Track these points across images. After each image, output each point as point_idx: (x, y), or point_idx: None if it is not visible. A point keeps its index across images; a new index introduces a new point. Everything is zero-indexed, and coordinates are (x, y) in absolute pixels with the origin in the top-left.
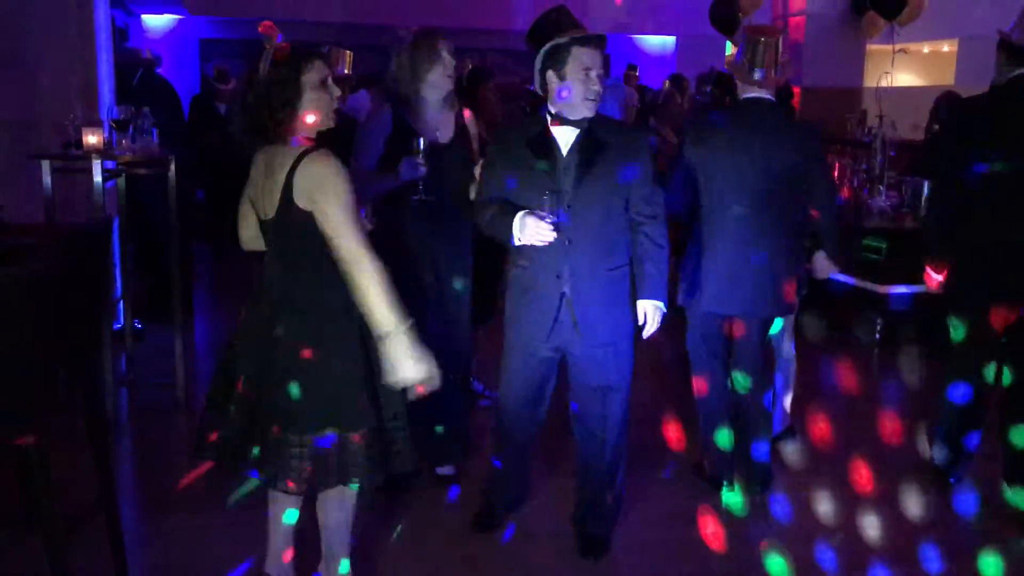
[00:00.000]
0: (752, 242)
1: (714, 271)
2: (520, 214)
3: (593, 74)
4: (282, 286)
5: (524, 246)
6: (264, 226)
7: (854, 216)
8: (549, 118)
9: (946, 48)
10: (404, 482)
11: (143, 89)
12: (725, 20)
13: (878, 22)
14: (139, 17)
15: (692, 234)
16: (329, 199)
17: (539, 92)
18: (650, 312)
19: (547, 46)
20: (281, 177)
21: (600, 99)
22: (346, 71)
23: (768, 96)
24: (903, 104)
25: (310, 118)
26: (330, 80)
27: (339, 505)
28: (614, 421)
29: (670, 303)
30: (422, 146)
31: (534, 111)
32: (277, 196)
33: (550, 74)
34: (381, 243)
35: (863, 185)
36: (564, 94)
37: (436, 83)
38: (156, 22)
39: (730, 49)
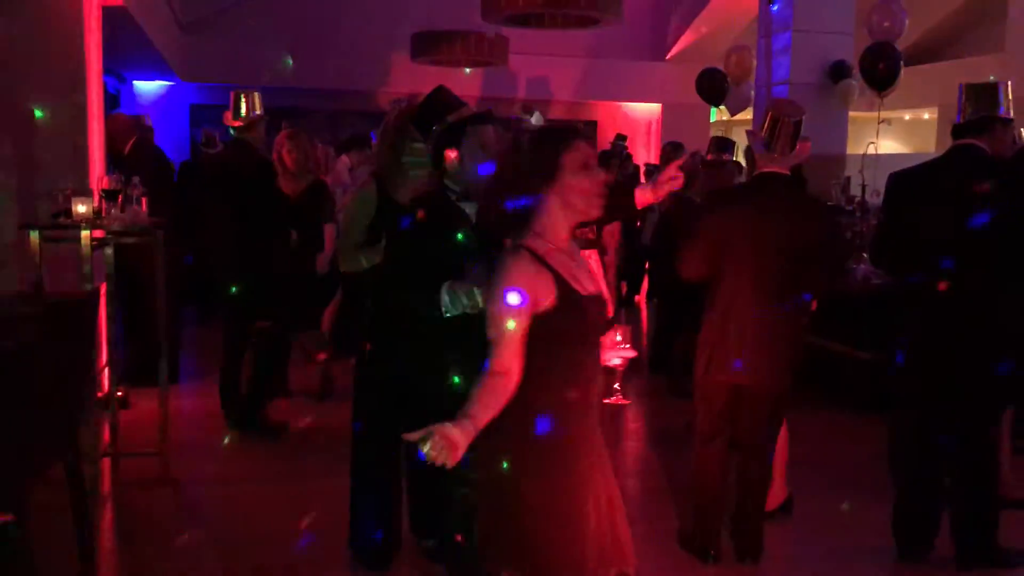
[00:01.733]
0: (766, 313)
1: (728, 340)
2: (447, 284)
3: (489, 148)
4: None
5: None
6: None
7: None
8: (453, 196)
9: (926, 116)
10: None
11: (136, 156)
12: (711, 89)
13: (853, 91)
14: (131, 83)
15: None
16: None
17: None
18: None
19: (441, 126)
20: None
21: None
22: (257, 111)
23: (783, 171)
24: (886, 171)
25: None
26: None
27: None
28: None
29: (686, 370)
30: None
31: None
32: None
33: (448, 152)
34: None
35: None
36: (464, 170)
37: (419, 159)
38: (148, 88)
39: (715, 115)
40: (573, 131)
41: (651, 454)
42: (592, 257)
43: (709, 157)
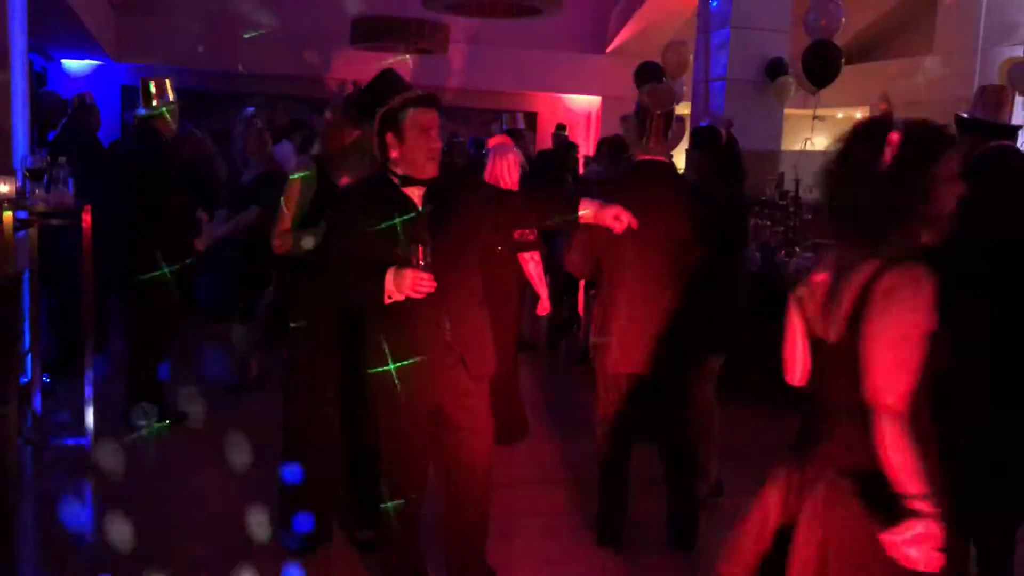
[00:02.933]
0: (650, 302)
1: (617, 330)
2: (391, 270)
3: (432, 133)
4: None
5: (392, 304)
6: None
7: (773, 275)
8: (396, 179)
9: (858, 114)
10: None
11: (65, 136)
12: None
13: (789, 88)
14: (59, 62)
15: (598, 294)
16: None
17: (379, 155)
18: None
19: (383, 109)
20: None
21: (439, 156)
22: (169, 96)
23: (661, 158)
24: (818, 167)
25: None
26: None
27: None
28: None
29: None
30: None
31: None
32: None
33: (389, 136)
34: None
35: (780, 246)
36: (406, 155)
37: (363, 144)
38: (76, 67)
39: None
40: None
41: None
42: (533, 258)
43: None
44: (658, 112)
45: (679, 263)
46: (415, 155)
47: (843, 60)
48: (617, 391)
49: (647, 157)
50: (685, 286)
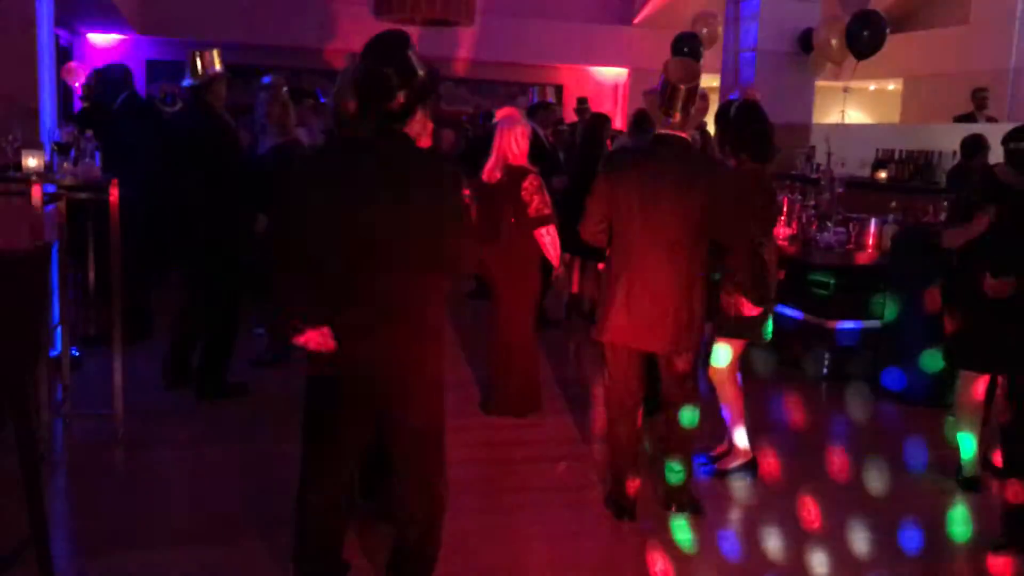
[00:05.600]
0: (660, 277)
1: (626, 304)
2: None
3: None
4: None
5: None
6: None
7: (802, 251)
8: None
9: (891, 86)
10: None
11: (124, 109)
12: (688, 55)
13: (824, 60)
14: (84, 36)
15: (608, 266)
16: None
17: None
18: None
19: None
20: None
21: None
22: (217, 68)
23: (682, 134)
24: (851, 141)
25: None
26: None
27: None
28: None
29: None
30: None
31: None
32: None
33: (346, 103)
34: None
35: (811, 221)
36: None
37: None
38: (102, 41)
39: None
40: None
41: None
42: (549, 232)
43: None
44: (681, 87)
45: (689, 239)
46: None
47: (888, 30)
48: (613, 362)
49: (666, 132)
50: (698, 263)
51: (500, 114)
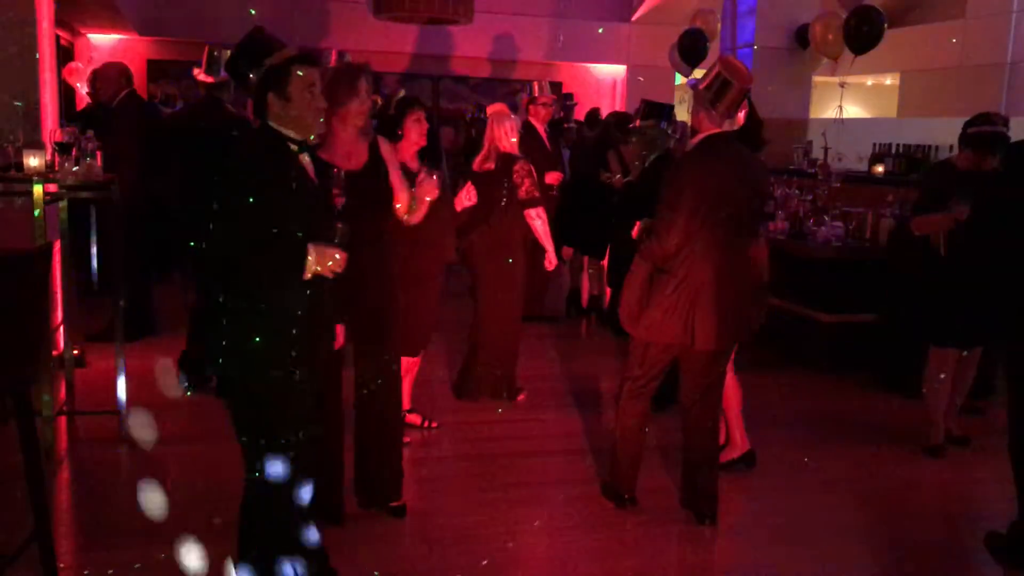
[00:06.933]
0: (725, 276)
1: (692, 305)
2: (313, 245)
3: (316, 90)
4: None
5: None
6: None
7: (799, 246)
8: (290, 143)
9: (888, 81)
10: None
11: (124, 109)
12: (693, 51)
13: (821, 55)
14: (85, 36)
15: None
16: None
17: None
18: None
19: (265, 67)
20: None
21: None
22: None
23: (730, 133)
24: (848, 135)
25: None
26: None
27: None
28: None
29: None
30: (341, 178)
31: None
32: None
33: (271, 96)
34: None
35: (808, 215)
36: (292, 114)
37: (348, 119)
38: (102, 41)
39: (680, 79)
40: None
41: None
42: (540, 215)
43: (637, 123)
44: (739, 86)
45: (746, 236)
46: (304, 114)
47: (886, 25)
48: (649, 359)
49: (720, 131)
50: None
51: (491, 109)
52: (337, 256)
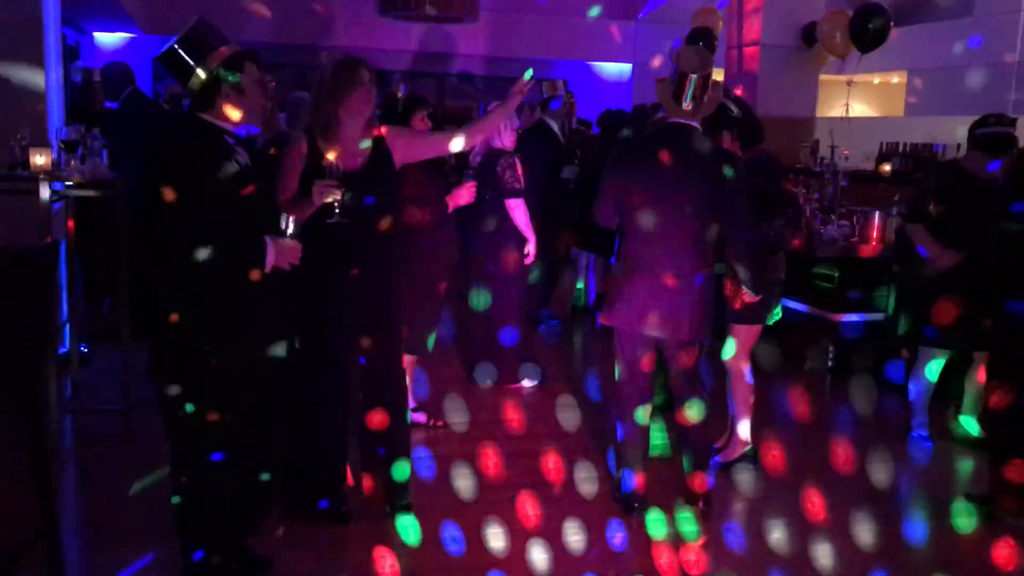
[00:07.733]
0: (672, 266)
1: (638, 292)
2: (269, 240)
3: (266, 86)
4: None
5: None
6: None
7: (806, 244)
8: (233, 140)
9: (895, 79)
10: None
11: (129, 106)
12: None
13: (828, 53)
14: (91, 35)
15: (619, 252)
16: None
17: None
18: None
19: (222, 60)
20: None
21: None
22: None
23: (693, 123)
24: (855, 134)
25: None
26: None
27: None
28: None
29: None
30: (336, 170)
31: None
32: None
33: (225, 87)
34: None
35: (815, 214)
36: (246, 104)
37: (353, 109)
38: (108, 40)
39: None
40: None
41: None
42: (519, 206)
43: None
44: (694, 75)
45: (698, 228)
46: (255, 108)
47: (892, 23)
48: (624, 351)
49: (677, 120)
50: (707, 252)
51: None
52: (292, 248)
